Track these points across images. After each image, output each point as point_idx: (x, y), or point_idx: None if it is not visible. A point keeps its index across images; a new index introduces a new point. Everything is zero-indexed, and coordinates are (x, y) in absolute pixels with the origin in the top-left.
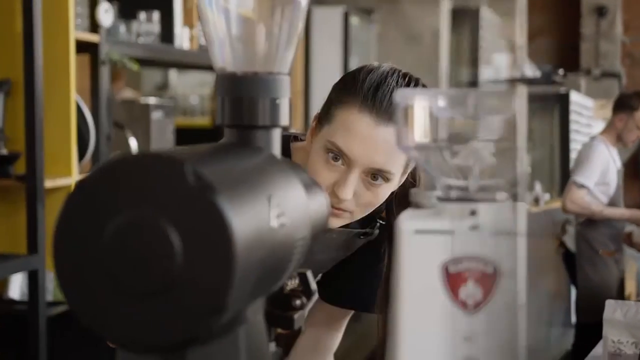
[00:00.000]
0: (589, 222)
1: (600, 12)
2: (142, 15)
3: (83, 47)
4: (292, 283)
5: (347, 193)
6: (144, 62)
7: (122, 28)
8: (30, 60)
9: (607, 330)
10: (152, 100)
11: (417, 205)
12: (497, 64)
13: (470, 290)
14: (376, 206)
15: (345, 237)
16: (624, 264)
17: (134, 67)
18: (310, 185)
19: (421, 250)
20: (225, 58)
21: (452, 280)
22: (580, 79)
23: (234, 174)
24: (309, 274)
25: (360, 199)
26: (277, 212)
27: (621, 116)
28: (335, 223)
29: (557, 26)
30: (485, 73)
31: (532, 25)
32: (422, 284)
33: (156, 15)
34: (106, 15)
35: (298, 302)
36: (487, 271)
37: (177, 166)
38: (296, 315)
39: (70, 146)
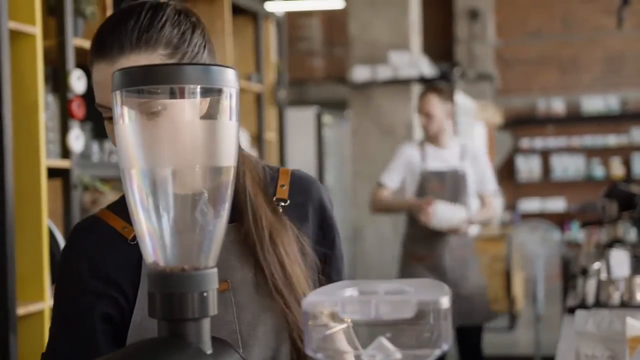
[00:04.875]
0: (406, 227)
1: (473, 15)
2: None
3: (55, 172)
4: None
5: None
6: (118, 179)
7: (95, 147)
8: (1, 189)
9: (579, 344)
10: None
11: None
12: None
13: None
14: None
15: None
16: (445, 274)
17: (105, 189)
18: None
19: None
20: (156, 254)
21: None
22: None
23: None
24: None
25: None
26: None
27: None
28: None
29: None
30: None
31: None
32: None
33: None
34: (77, 141)
35: None
36: None
37: None
38: None
39: (42, 271)
